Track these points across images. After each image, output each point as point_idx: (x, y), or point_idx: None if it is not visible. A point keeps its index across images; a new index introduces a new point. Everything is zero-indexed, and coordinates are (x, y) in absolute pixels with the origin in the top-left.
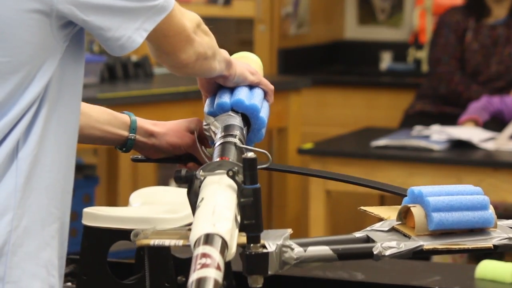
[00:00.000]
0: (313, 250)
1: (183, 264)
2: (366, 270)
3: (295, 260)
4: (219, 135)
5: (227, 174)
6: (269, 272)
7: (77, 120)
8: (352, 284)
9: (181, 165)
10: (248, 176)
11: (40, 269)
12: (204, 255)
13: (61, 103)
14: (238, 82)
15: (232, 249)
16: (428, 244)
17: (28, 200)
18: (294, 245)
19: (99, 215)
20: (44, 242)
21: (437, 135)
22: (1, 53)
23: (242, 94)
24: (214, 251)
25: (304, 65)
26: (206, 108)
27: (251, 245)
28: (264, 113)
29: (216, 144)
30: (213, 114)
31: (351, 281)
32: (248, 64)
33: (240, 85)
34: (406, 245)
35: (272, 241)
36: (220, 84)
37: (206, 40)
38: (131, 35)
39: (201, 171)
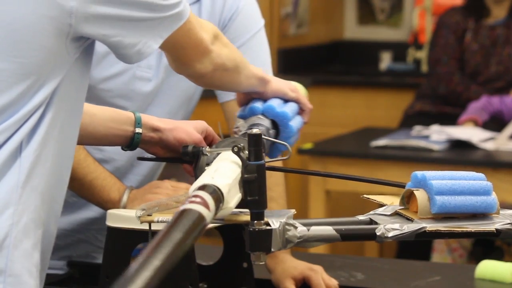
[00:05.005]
0: (317, 230)
1: (206, 271)
2: (366, 270)
3: (298, 239)
4: (243, 131)
5: (232, 150)
6: (272, 250)
7: (76, 135)
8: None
9: (186, 165)
10: (252, 152)
11: (34, 268)
12: (196, 196)
13: (64, 113)
14: (276, 97)
15: (229, 204)
16: (431, 226)
17: (28, 199)
18: (297, 224)
19: (123, 216)
20: (36, 242)
21: (437, 135)
22: (17, 54)
23: (275, 102)
24: (206, 195)
25: (304, 65)
26: (238, 112)
27: (255, 222)
28: (294, 123)
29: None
30: (244, 117)
31: (350, 287)
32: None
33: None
34: (409, 227)
35: (276, 219)
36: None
37: (225, 52)
38: (147, 41)
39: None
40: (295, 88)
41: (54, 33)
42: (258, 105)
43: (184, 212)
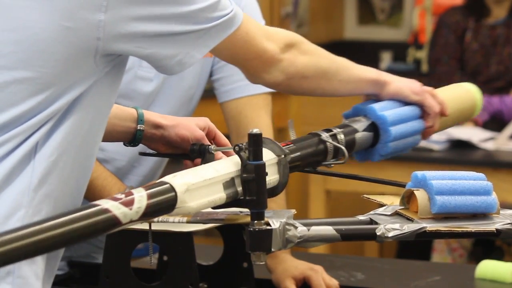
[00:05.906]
0: (317, 230)
1: (206, 271)
2: (366, 270)
3: (298, 239)
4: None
5: (234, 149)
6: (272, 249)
7: (97, 149)
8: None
9: (187, 161)
10: (251, 151)
11: (40, 271)
12: (126, 193)
13: (88, 123)
14: (394, 99)
15: (188, 203)
16: (431, 226)
17: (39, 203)
18: (297, 224)
19: None
20: None
21: (437, 135)
22: (41, 64)
23: (381, 104)
24: (140, 193)
25: None
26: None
27: (255, 221)
28: (398, 128)
29: None
30: (347, 116)
31: (350, 287)
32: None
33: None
34: (409, 227)
35: (276, 219)
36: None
37: (301, 60)
38: (190, 51)
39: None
40: (420, 90)
41: (79, 45)
42: (362, 105)
43: (90, 205)
